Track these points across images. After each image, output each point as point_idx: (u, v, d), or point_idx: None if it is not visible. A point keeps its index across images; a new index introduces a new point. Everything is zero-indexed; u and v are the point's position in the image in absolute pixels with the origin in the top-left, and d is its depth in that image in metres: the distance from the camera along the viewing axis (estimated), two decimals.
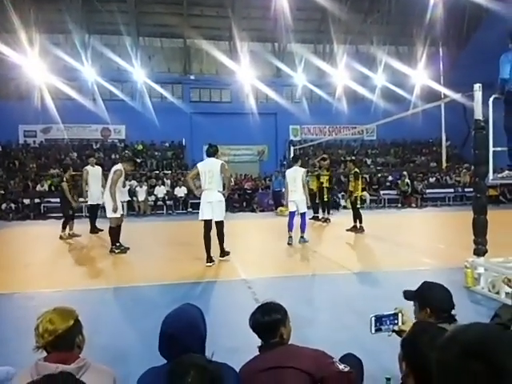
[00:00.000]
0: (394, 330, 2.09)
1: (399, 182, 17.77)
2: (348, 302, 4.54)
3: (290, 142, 22.57)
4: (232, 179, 12.95)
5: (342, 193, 16.35)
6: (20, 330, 3.56)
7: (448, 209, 16.36)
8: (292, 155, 12.38)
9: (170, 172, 19.07)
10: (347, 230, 9.73)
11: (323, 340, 3.24)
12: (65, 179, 9.71)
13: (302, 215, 8.33)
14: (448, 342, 0.94)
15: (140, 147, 21.61)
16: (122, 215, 8.02)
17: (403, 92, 22.62)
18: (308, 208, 8.67)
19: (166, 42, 23.46)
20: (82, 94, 20.69)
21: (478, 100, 4.93)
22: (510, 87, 4.79)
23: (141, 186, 15.93)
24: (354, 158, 18.28)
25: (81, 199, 10.60)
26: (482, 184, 5.12)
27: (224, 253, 6.72)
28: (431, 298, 2.14)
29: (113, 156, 19.95)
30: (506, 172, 5.15)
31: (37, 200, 15.53)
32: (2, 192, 15.85)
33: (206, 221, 6.54)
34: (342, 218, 11.15)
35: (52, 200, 14.63)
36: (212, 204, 6.47)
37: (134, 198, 15.49)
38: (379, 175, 19.43)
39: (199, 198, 6.75)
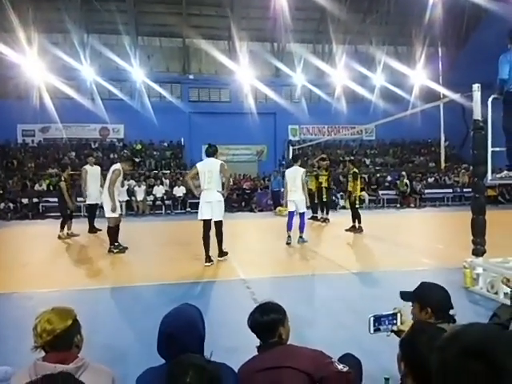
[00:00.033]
0: (392, 330, 2.10)
1: (398, 182, 17.79)
2: (347, 302, 4.54)
3: (289, 141, 22.57)
4: (231, 179, 12.93)
5: (341, 193, 16.36)
6: (18, 329, 3.55)
7: (447, 209, 16.39)
8: (292, 155, 12.39)
9: (168, 172, 19.06)
10: (346, 230, 9.73)
11: (322, 340, 3.24)
12: (63, 179, 9.70)
13: (301, 215, 8.32)
14: (447, 342, 0.94)
15: (139, 147, 21.59)
16: (121, 215, 8.01)
17: (402, 92, 22.64)
18: (307, 208, 8.67)
19: (164, 41, 23.44)
20: (81, 93, 20.68)
21: (476, 100, 4.94)
22: (509, 87, 4.80)
23: (139, 186, 15.92)
24: (352, 158, 18.39)
25: (80, 199, 10.58)
26: (481, 184, 5.13)
27: (222, 253, 6.71)
28: (432, 298, 2.14)
29: (111, 155, 19.94)
30: (505, 172, 5.16)
31: (35, 199, 15.51)
32: (1, 191, 15.83)
33: (205, 221, 6.53)
34: (341, 218, 11.15)
35: (50, 199, 14.61)
36: (211, 204, 6.47)
37: (133, 198, 15.49)
38: (378, 175, 19.45)
39: (198, 198, 6.74)
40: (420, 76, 22.64)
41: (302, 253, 7.65)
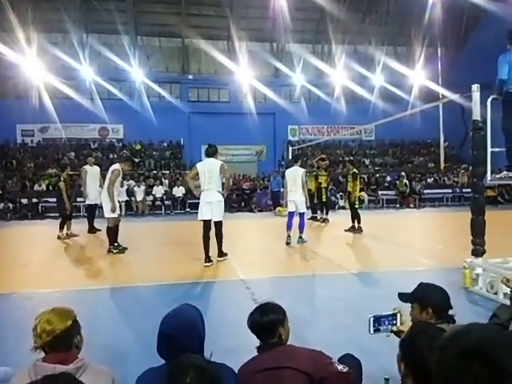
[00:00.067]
0: (392, 331, 2.10)
1: (397, 182, 17.80)
2: (346, 303, 4.54)
3: (289, 142, 22.58)
4: (231, 179, 12.93)
5: (341, 193, 16.37)
6: (18, 330, 3.54)
7: (446, 209, 16.39)
8: (292, 155, 12.38)
9: (168, 172, 19.04)
10: (345, 231, 9.73)
11: (322, 340, 3.24)
12: (62, 179, 9.69)
13: (301, 215, 8.31)
14: (447, 342, 0.94)
15: (138, 147, 21.58)
16: (120, 215, 8.01)
17: (401, 92, 22.66)
18: (307, 208, 8.67)
19: (164, 41, 23.44)
20: (80, 93, 20.67)
21: (476, 101, 4.94)
22: (508, 88, 4.81)
23: (139, 186, 15.91)
24: (352, 158, 18.40)
25: (80, 199, 10.57)
26: (480, 184, 5.13)
27: (222, 253, 6.71)
28: (432, 298, 2.15)
29: (111, 156, 19.92)
30: (504, 173, 5.16)
31: (34, 200, 15.49)
32: (0, 192, 15.80)
33: (205, 221, 6.53)
34: (341, 219, 11.16)
35: (50, 200, 14.58)
36: (212, 204, 6.46)
37: (132, 198, 15.49)
38: (377, 175, 19.46)
39: (198, 198, 6.73)
40: (419, 76, 22.66)
41: (301, 253, 7.65)
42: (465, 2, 18.80)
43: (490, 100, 4.84)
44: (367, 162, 22.10)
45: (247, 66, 21.78)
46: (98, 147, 21.36)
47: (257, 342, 2.05)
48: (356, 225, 9.70)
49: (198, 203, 6.69)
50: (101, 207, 8.32)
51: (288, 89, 24.19)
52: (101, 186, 8.88)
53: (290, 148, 15.52)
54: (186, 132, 22.17)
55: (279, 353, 1.92)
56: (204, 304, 4.31)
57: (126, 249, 7.64)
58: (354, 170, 9.95)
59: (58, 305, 1.95)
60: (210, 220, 6.52)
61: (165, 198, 16.39)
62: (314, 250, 7.79)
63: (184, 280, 5.58)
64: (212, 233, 6.58)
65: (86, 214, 11.34)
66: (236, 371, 1.91)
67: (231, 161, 21.83)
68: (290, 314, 2.14)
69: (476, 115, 4.98)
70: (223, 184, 6.75)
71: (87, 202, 9.98)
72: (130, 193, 15.48)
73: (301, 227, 8.28)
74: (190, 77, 23.06)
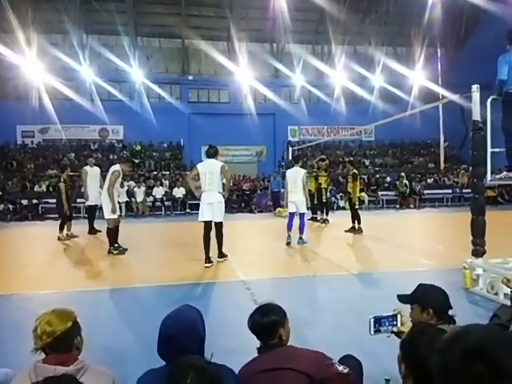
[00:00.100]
0: (393, 332, 2.09)
1: (397, 182, 17.80)
2: (347, 303, 4.54)
3: (289, 142, 22.58)
4: (231, 180, 12.94)
5: (341, 194, 16.37)
6: (18, 331, 3.54)
7: (446, 210, 16.39)
8: (292, 156, 12.38)
9: (168, 173, 19.04)
10: (345, 231, 9.73)
11: (322, 341, 3.23)
12: (62, 180, 9.69)
13: (301, 216, 8.30)
14: (448, 343, 0.94)
15: (138, 148, 21.59)
16: (120, 216, 8.00)
17: (401, 93, 22.68)
18: (308, 209, 8.66)
19: (164, 42, 23.45)
20: (80, 94, 20.68)
21: (475, 101, 4.94)
22: (508, 88, 4.81)
23: (139, 187, 15.91)
24: (352, 158, 18.42)
25: (80, 200, 10.57)
26: (480, 185, 5.13)
27: (222, 254, 6.71)
28: (432, 299, 2.15)
29: (111, 156, 19.94)
30: (504, 173, 5.16)
31: (35, 201, 15.50)
32: (0, 193, 15.80)
33: (205, 222, 6.53)
34: (341, 219, 11.15)
35: (50, 201, 14.59)
36: (212, 205, 6.46)
37: (132, 199, 15.49)
38: (377, 176, 19.47)
39: (198, 199, 6.74)
40: (419, 77, 22.67)
41: (301, 254, 7.64)
42: (465, 2, 18.81)
43: (489, 100, 4.84)
44: (367, 162, 22.11)
45: (247, 66, 21.80)
46: (98, 148, 21.37)
47: (257, 342, 2.05)
48: (356, 225, 9.70)
49: (199, 204, 6.69)
50: (101, 208, 8.32)
51: (288, 89, 24.20)
52: (101, 186, 8.88)
53: (290, 148, 15.54)
54: (186, 133, 22.18)
55: (280, 354, 1.92)
56: (204, 305, 4.30)
57: (126, 250, 7.64)
58: (354, 170, 9.95)
59: (58, 306, 1.95)
60: (211, 221, 6.52)
61: (165, 198, 16.38)
62: (314, 251, 7.79)
63: (184, 281, 5.58)
64: (212, 234, 6.58)
65: (86, 215, 11.35)
66: (236, 372, 1.91)
67: (231, 161, 21.83)
68: (290, 314, 2.14)
69: (476, 115, 4.98)
70: (224, 185, 6.76)
71: (87, 203, 9.98)
72: (130, 194, 15.48)
73: (301, 228, 8.27)
74: (190, 78, 23.08)
